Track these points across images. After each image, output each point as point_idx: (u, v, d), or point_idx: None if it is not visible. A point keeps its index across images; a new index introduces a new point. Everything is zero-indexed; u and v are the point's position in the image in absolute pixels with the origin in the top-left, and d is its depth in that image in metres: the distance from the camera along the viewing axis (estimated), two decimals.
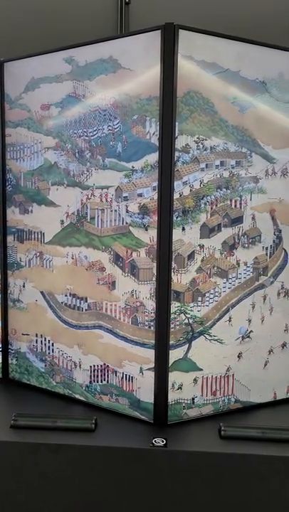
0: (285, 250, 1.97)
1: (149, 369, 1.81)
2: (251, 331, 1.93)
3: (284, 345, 2.01)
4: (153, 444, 1.68)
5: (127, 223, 1.81)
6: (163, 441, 1.69)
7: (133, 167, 1.77)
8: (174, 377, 1.80)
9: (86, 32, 2.33)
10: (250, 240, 1.89)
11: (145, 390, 1.83)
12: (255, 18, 2.33)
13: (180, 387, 1.81)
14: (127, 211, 1.80)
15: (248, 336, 1.92)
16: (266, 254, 1.93)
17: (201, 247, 1.79)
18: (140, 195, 1.77)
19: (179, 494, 1.67)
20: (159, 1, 2.51)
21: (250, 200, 1.87)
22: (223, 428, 1.75)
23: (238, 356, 1.90)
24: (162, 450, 1.66)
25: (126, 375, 1.87)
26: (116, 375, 1.90)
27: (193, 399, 1.85)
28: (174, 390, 1.80)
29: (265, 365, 1.98)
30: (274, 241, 1.94)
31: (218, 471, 1.65)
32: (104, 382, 1.93)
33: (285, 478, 1.64)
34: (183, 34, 1.67)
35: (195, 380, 1.84)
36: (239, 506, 1.66)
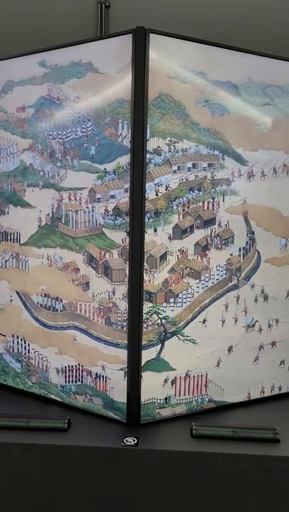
0: (258, 251, 2.00)
1: (122, 369, 1.83)
2: (256, 321, 1.97)
3: (259, 346, 2.04)
4: (124, 443, 1.69)
5: (100, 224, 1.83)
6: (134, 441, 1.71)
7: (106, 169, 1.79)
8: (146, 377, 1.83)
9: (65, 35, 2.35)
10: (223, 242, 1.92)
11: (118, 390, 1.84)
12: (229, 23, 2.36)
13: (153, 387, 1.84)
14: (101, 212, 1.82)
15: (253, 326, 1.96)
16: (239, 255, 1.96)
17: (174, 248, 1.81)
18: (113, 196, 1.79)
19: (149, 493, 1.68)
20: (140, 4, 2.54)
21: (223, 201, 1.89)
22: (194, 427, 1.76)
23: (211, 356, 1.94)
24: (133, 449, 1.68)
25: (100, 375, 1.89)
26: (90, 375, 1.91)
27: (166, 399, 1.87)
28: (147, 389, 1.83)
29: (240, 365, 2.01)
30: (247, 242, 1.97)
31: (188, 469, 1.67)
32: (78, 383, 1.95)
33: (255, 476, 1.66)
34: (154, 38, 1.69)
35: (168, 380, 1.87)
36: (209, 505, 1.68)
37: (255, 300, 2.00)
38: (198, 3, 2.48)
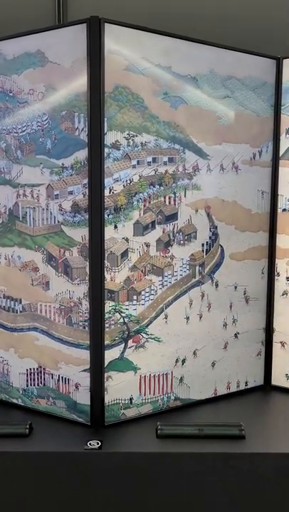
0: (222, 246, 1.98)
1: (84, 370, 1.78)
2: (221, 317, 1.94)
3: (224, 341, 2.03)
4: (87, 446, 1.65)
5: (59, 222, 1.77)
6: (98, 444, 1.66)
7: (63, 164, 1.72)
8: (110, 377, 1.78)
9: (23, 25, 2.26)
10: (186, 237, 1.89)
11: (81, 392, 1.79)
12: (189, 15, 2.32)
13: (117, 387, 1.79)
14: (59, 209, 1.76)
15: (218, 321, 1.93)
16: (202, 250, 1.94)
17: (135, 244, 1.77)
18: (71, 192, 1.73)
19: (115, 496, 1.64)
20: None
21: (185, 196, 1.86)
22: (159, 427, 1.73)
23: (176, 353, 1.91)
24: (96, 453, 1.63)
25: (62, 377, 1.83)
26: (52, 377, 1.85)
27: (130, 399, 1.83)
28: (110, 390, 1.78)
29: (205, 361, 1.99)
30: (210, 237, 1.95)
31: (153, 471, 1.63)
32: (40, 386, 1.89)
33: (221, 474, 1.64)
34: (110, 28, 1.64)
35: (132, 380, 1.83)
36: (175, 505, 1.65)
37: (219, 296, 1.99)
38: None
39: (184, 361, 1.92)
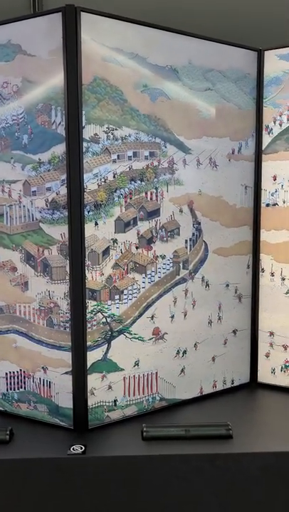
0: (205, 242, 1.94)
1: (67, 373, 1.72)
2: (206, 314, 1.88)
3: (210, 339, 1.99)
4: (71, 451, 1.59)
5: (37, 219, 1.70)
6: (82, 448, 1.61)
7: (40, 159, 1.66)
8: (93, 379, 1.73)
9: None
10: (169, 234, 1.84)
11: (64, 395, 1.73)
12: (169, 6, 2.28)
13: (100, 390, 1.74)
14: (37, 207, 1.70)
15: (203, 319, 1.87)
16: (186, 247, 1.89)
17: (116, 242, 1.72)
18: (49, 189, 1.67)
19: (100, 502, 1.59)
20: None
21: (167, 192, 1.81)
22: (144, 429, 1.68)
23: (161, 353, 1.86)
24: (80, 457, 1.57)
25: (43, 380, 1.77)
26: (33, 381, 1.79)
27: (115, 401, 1.78)
28: (94, 392, 1.73)
29: (191, 360, 1.94)
30: (194, 233, 1.91)
31: (139, 474, 1.59)
32: (21, 390, 1.82)
33: (208, 475, 1.60)
34: (87, 18, 1.58)
35: (116, 381, 1.78)
36: (162, 508, 1.60)
37: (204, 293, 1.95)
38: None
39: (168, 360, 1.87)
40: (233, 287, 2.03)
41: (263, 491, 1.62)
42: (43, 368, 1.75)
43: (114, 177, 1.69)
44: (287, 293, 2.03)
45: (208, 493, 1.60)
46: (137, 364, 1.81)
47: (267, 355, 2.09)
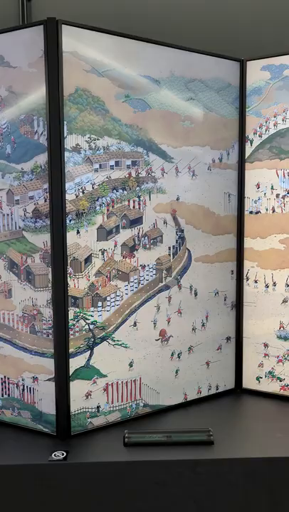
0: (189, 250, 1.96)
1: (49, 379, 1.74)
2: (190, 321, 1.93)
3: (196, 345, 2.00)
4: (52, 458, 1.60)
5: (20, 228, 1.73)
6: (63, 454, 1.62)
7: (23, 169, 1.69)
8: (76, 386, 1.74)
9: None
10: (152, 241, 1.86)
11: (47, 402, 1.75)
12: (153, 18, 2.31)
13: (83, 396, 1.75)
14: (20, 215, 1.72)
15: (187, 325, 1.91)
16: (169, 254, 1.91)
17: (100, 250, 1.74)
18: (32, 197, 1.69)
19: (81, 508, 1.60)
20: None
21: (150, 200, 1.84)
22: (126, 435, 1.70)
23: (144, 359, 1.88)
24: (61, 464, 1.59)
25: (27, 387, 1.78)
26: (17, 387, 1.81)
27: (98, 407, 1.79)
28: (77, 399, 1.74)
29: (175, 366, 1.95)
30: (177, 241, 1.93)
31: (120, 480, 1.60)
32: (5, 396, 1.84)
33: (189, 482, 1.61)
34: (68, 30, 1.61)
35: (99, 388, 1.79)
36: None
37: (188, 299, 1.97)
38: None
39: (152, 367, 1.88)
40: (218, 294, 2.04)
41: (243, 497, 1.63)
42: (26, 374, 1.77)
43: (96, 186, 1.71)
44: (272, 299, 2.05)
45: (189, 499, 1.61)
46: (120, 370, 1.83)
47: (252, 362, 2.11)
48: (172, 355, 1.93)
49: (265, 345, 2.06)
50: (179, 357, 1.96)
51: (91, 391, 1.76)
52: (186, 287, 1.96)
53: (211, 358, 2.05)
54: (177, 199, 1.90)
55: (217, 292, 2.04)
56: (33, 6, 2.47)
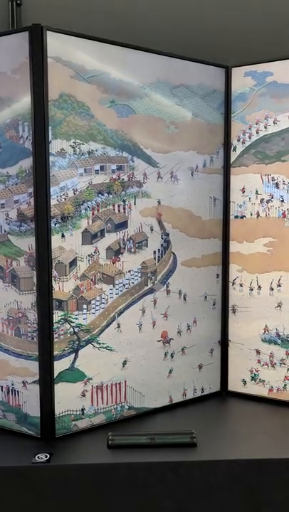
0: (174, 254, 1.98)
1: (34, 382, 1.75)
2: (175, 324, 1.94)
3: (181, 348, 2.02)
4: (35, 460, 1.61)
5: (5, 231, 1.74)
6: (46, 457, 1.63)
7: (8, 173, 1.70)
8: (60, 388, 1.75)
9: None
10: (137, 245, 1.88)
11: (32, 404, 1.76)
12: (136, 22, 2.34)
13: (68, 398, 1.77)
14: (5, 219, 1.74)
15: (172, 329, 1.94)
16: (154, 258, 1.93)
17: (84, 253, 1.76)
18: (17, 201, 1.71)
19: (63, 510, 1.61)
20: (53, 2, 2.47)
21: (135, 204, 1.86)
22: (110, 437, 1.71)
23: (129, 362, 1.89)
24: (44, 466, 1.60)
25: (12, 389, 1.79)
26: (2, 390, 1.82)
27: (82, 409, 1.80)
28: (61, 401, 1.75)
29: (160, 369, 1.97)
30: (162, 245, 1.95)
31: (103, 482, 1.61)
32: None
33: (171, 484, 1.63)
34: (53, 36, 1.63)
35: (84, 390, 1.80)
36: None
37: (173, 303, 1.98)
38: (113, 2, 2.44)
39: (137, 369, 1.90)
40: (202, 298, 2.06)
41: (226, 499, 1.64)
42: (11, 377, 1.78)
43: (81, 190, 1.73)
44: (257, 303, 2.07)
45: (171, 500, 1.63)
46: (105, 373, 1.84)
47: (237, 365, 2.12)
48: (158, 358, 1.96)
49: (250, 349, 2.08)
50: (164, 360, 1.98)
51: (76, 394, 1.78)
52: (173, 292, 1.97)
53: (196, 360, 2.06)
54: (163, 203, 1.92)
55: (206, 296, 2.07)
56: (23, 11, 2.51)
